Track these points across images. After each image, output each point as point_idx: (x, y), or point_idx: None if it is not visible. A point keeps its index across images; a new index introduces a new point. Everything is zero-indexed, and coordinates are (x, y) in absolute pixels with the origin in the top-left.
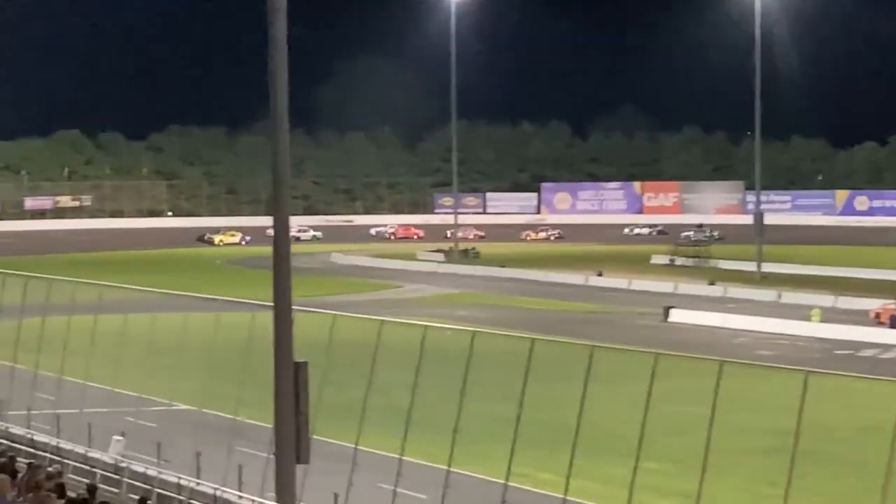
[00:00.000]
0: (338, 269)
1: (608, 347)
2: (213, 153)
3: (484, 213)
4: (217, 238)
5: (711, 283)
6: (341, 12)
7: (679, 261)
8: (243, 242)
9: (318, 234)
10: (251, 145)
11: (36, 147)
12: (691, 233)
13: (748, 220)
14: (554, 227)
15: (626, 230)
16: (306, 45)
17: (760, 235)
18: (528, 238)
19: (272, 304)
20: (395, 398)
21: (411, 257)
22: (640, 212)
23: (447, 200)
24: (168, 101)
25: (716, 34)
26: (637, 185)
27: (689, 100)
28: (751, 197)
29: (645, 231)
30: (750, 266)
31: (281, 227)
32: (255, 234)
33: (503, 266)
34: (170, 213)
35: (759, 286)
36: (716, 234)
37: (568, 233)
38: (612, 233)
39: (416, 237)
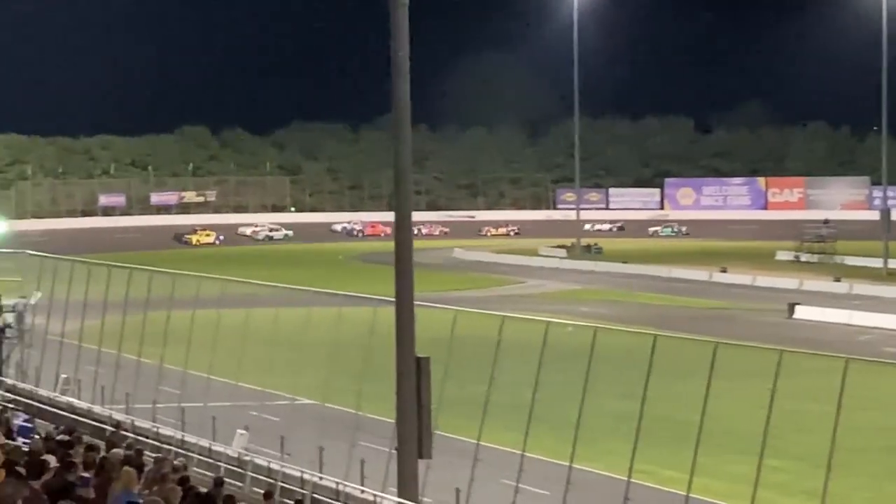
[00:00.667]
0: (460, 264)
1: (732, 344)
2: (337, 148)
3: (607, 208)
4: (194, 238)
5: (837, 280)
6: (464, 8)
7: (804, 257)
8: (217, 242)
9: (290, 232)
10: (374, 141)
11: (162, 143)
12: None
13: (874, 215)
14: (681, 222)
15: (588, 226)
16: (429, 40)
17: (887, 231)
18: (655, 234)
19: (394, 299)
20: (517, 394)
21: (533, 253)
22: (765, 207)
23: (569, 196)
24: (292, 97)
25: (842, 28)
26: (761, 180)
27: (815, 94)
28: (877, 192)
29: (605, 227)
30: (876, 262)
31: (403, 222)
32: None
33: (625, 262)
34: (293, 209)
35: (886, 283)
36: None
37: (691, 229)
38: (734, 229)
39: (382, 234)
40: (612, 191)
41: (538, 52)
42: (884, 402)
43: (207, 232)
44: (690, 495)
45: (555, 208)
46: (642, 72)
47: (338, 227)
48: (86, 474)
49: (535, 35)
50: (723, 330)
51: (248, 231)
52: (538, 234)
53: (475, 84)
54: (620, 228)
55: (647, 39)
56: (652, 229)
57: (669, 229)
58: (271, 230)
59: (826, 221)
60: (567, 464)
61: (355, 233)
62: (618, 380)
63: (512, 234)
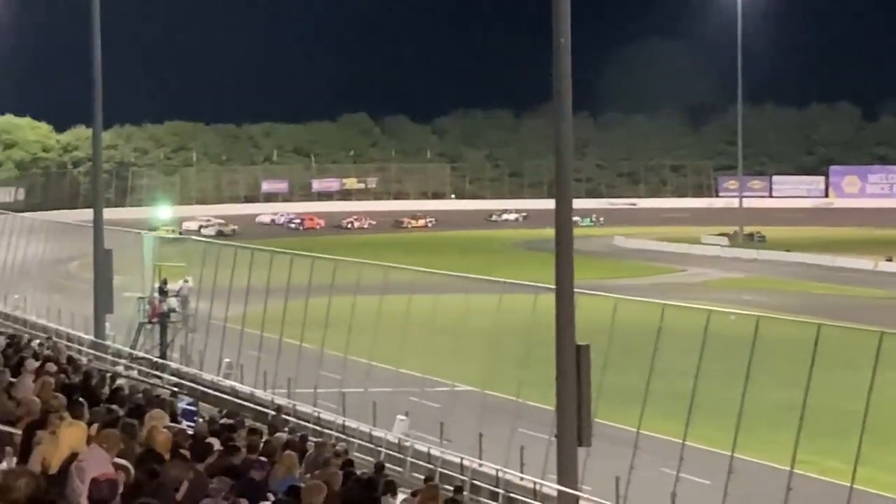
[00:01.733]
0: (620, 252)
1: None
2: (497, 136)
3: (770, 196)
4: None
5: None
6: None
7: None
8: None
9: (235, 227)
10: (535, 128)
11: (324, 130)
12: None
13: None
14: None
15: (494, 216)
16: (591, 27)
17: None
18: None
19: (554, 286)
20: (677, 382)
21: (695, 241)
22: None
23: (732, 184)
24: (453, 84)
25: None
26: None
27: None
28: None
29: (512, 217)
30: None
31: (564, 210)
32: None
33: (789, 250)
34: (453, 196)
35: None
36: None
37: (856, 217)
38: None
39: (318, 227)
40: (775, 178)
41: (700, 38)
42: None
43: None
44: (854, 486)
45: (716, 196)
46: (807, 58)
47: (266, 219)
48: (262, 458)
49: (698, 21)
50: (889, 320)
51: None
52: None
53: (637, 71)
54: (525, 217)
55: (813, 24)
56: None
57: (588, 220)
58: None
59: None
60: (728, 453)
61: (294, 226)
62: (780, 369)
63: (429, 224)
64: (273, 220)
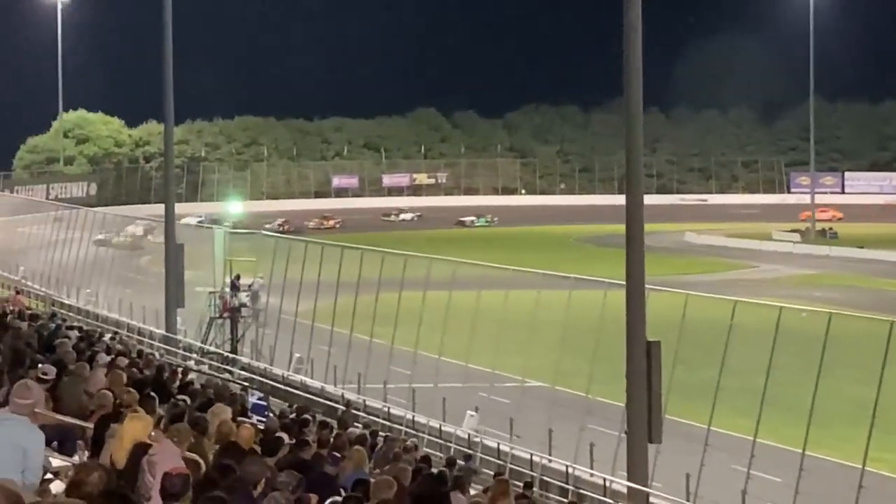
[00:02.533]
0: (690, 248)
1: None
2: (568, 131)
3: (842, 192)
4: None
5: None
6: None
7: None
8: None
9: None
10: (606, 123)
11: (394, 125)
12: None
13: None
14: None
15: (392, 216)
16: (662, 21)
17: None
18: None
19: (625, 282)
20: (748, 379)
21: (766, 237)
22: None
23: (804, 180)
24: (523, 79)
25: None
26: None
27: None
28: None
29: (408, 217)
30: None
31: (634, 206)
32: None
33: (861, 247)
34: (523, 191)
35: None
36: None
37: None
38: None
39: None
40: (847, 174)
41: (772, 33)
42: None
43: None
44: None
45: (788, 192)
46: (881, 53)
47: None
48: (333, 453)
49: (770, 15)
50: None
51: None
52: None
53: (708, 65)
54: (419, 217)
55: (886, 19)
56: (467, 219)
57: (483, 219)
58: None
59: None
60: (800, 450)
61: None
62: (854, 365)
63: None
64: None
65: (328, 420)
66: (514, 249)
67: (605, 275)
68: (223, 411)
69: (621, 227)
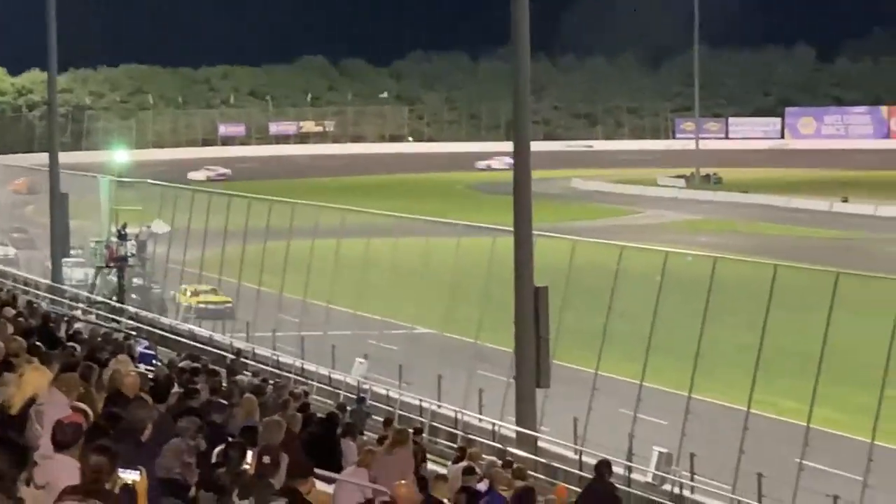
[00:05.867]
0: (577, 194)
1: (854, 274)
2: (455, 79)
3: (726, 138)
4: None
5: None
6: None
7: None
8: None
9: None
10: (493, 71)
11: (281, 73)
12: None
13: None
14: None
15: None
16: None
17: None
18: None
19: (512, 229)
20: (636, 324)
21: (652, 183)
22: (888, 136)
23: (688, 125)
24: (411, 27)
25: None
26: (884, 109)
27: None
28: None
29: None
30: None
31: (522, 152)
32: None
33: (745, 192)
34: (410, 139)
35: None
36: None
37: (811, 158)
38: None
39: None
40: (731, 120)
41: None
42: None
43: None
44: (811, 426)
45: (674, 138)
46: (765, 0)
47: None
48: (225, 401)
49: None
50: (844, 260)
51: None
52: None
53: (594, 13)
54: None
55: None
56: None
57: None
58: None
59: None
60: (685, 394)
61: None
62: (738, 310)
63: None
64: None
65: (217, 368)
66: (402, 197)
67: (493, 221)
68: (126, 362)
69: (509, 175)
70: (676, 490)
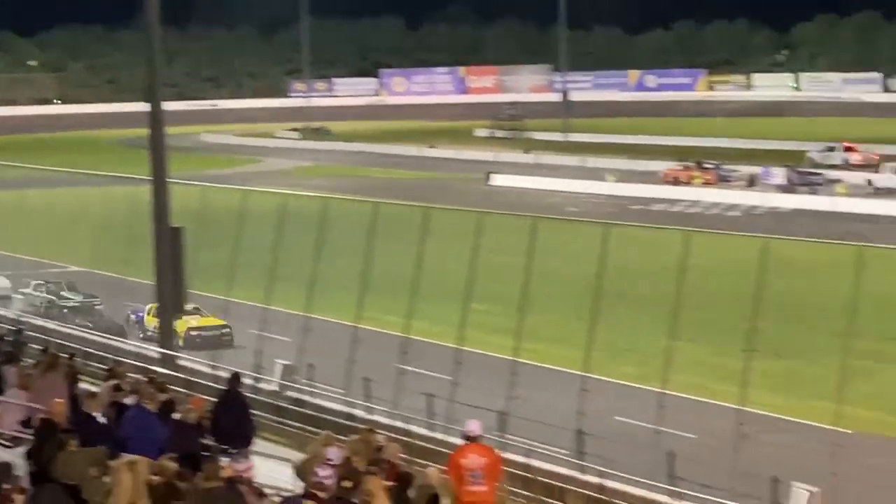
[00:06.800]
0: (207, 147)
1: (441, 208)
2: (96, 48)
3: (332, 96)
4: None
5: (526, 152)
6: None
7: (498, 133)
8: None
9: None
10: (130, 41)
11: None
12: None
13: (557, 97)
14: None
15: None
16: None
17: (567, 110)
18: None
19: (151, 178)
20: (262, 257)
21: (271, 136)
22: (465, 93)
23: (300, 86)
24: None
25: None
26: (462, 69)
27: None
28: (558, 78)
29: None
30: (559, 136)
31: (156, 112)
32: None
33: (350, 141)
34: (58, 101)
35: (567, 153)
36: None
37: (404, 112)
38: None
39: None
40: (335, 80)
41: None
42: (567, 253)
43: None
44: (409, 336)
45: (288, 97)
46: None
47: None
48: None
49: None
50: (433, 196)
51: None
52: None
53: None
54: None
55: None
56: None
57: None
58: None
59: (513, 104)
60: (305, 314)
61: None
62: (348, 242)
63: None
64: None
65: None
66: (54, 152)
67: (135, 172)
68: None
69: (145, 131)
70: (298, 396)
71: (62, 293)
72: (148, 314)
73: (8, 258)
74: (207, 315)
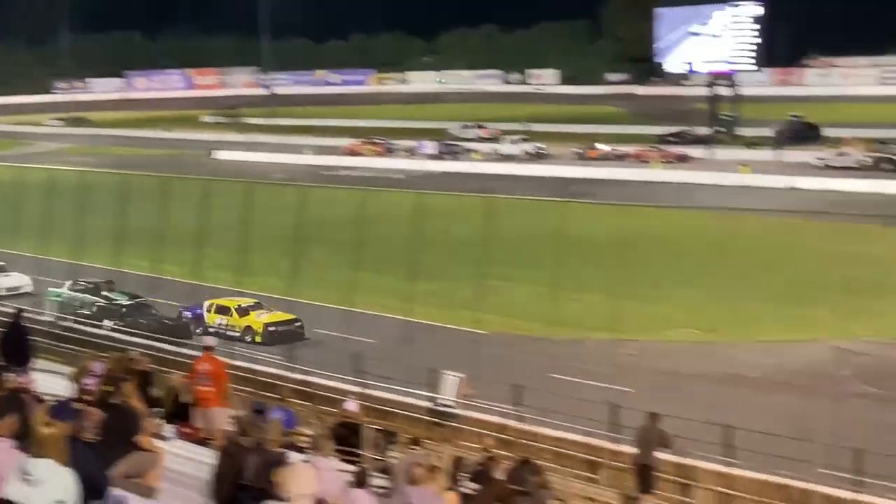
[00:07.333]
0: None
1: (181, 178)
2: None
3: (88, 92)
4: None
5: (241, 133)
6: None
7: (220, 120)
8: None
9: None
10: None
11: None
12: None
13: (264, 91)
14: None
15: None
16: None
17: (272, 101)
18: None
19: None
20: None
21: (40, 123)
22: (193, 89)
23: (62, 84)
24: None
25: None
26: (190, 71)
27: None
28: (264, 76)
29: None
30: (266, 121)
31: None
32: None
33: (104, 127)
34: None
35: (273, 134)
36: None
37: (146, 105)
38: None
39: None
40: (90, 80)
41: None
42: (276, 207)
43: None
44: (160, 277)
45: (51, 93)
46: None
47: None
48: None
49: None
50: (176, 168)
51: None
52: None
53: None
54: None
55: None
56: None
57: None
58: None
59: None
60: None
61: None
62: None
63: None
64: None
65: None
66: None
67: None
68: None
69: None
70: (71, 325)
71: (104, 293)
72: (208, 311)
73: None
74: (272, 310)
